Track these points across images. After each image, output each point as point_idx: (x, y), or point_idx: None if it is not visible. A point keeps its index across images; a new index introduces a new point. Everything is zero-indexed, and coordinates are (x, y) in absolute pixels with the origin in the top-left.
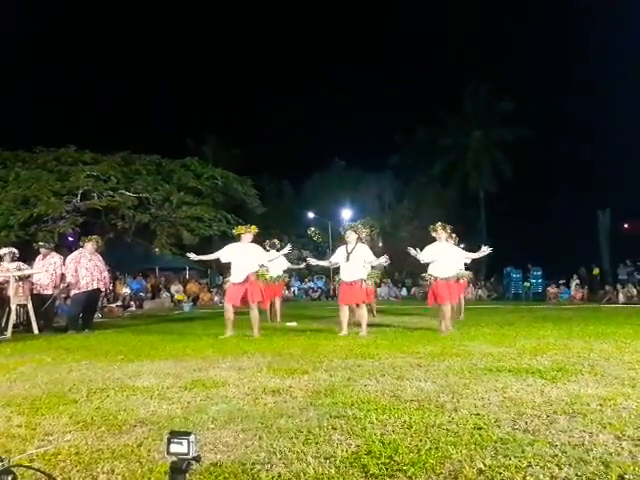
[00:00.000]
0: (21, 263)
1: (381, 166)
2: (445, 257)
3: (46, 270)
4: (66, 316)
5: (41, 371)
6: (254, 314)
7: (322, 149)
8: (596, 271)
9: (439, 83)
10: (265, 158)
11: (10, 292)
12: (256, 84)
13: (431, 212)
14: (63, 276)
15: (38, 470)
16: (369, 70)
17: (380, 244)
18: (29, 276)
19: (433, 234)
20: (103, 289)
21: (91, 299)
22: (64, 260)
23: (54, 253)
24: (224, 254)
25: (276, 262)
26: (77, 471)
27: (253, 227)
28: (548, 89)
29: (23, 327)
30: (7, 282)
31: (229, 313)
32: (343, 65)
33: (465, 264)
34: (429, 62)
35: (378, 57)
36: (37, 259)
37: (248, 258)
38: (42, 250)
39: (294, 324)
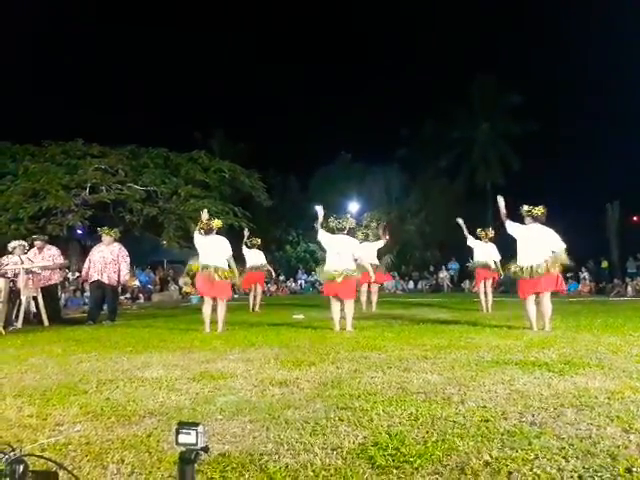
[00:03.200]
0: (31, 256)
1: (388, 159)
2: (536, 242)
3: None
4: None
5: (51, 362)
6: (220, 309)
7: (328, 142)
8: (605, 264)
9: (446, 76)
10: (271, 152)
11: (20, 284)
12: (261, 79)
13: (438, 205)
14: (61, 267)
15: (49, 459)
16: (375, 63)
17: (387, 237)
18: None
19: (527, 214)
20: (106, 282)
21: (100, 291)
22: (60, 251)
23: (49, 245)
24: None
25: (253, 257)
26: (87, 461)
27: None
28: (555, 81)
29: (34, 318)
30: (17, 274)
31: (207, 307)
32: (349, 59)
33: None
34: (436, 55)
35: (384, 50)
36: (31, 252)
37: (212, 250)
38: (37, 243)
39: (301, 316)
